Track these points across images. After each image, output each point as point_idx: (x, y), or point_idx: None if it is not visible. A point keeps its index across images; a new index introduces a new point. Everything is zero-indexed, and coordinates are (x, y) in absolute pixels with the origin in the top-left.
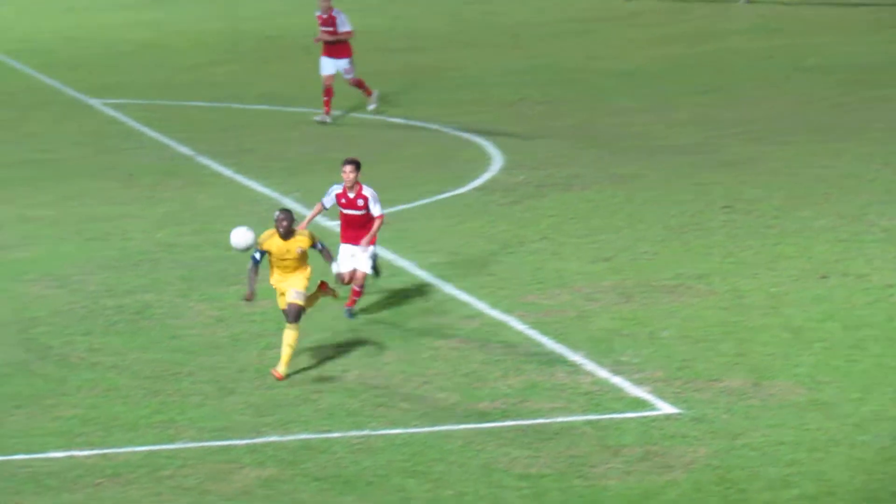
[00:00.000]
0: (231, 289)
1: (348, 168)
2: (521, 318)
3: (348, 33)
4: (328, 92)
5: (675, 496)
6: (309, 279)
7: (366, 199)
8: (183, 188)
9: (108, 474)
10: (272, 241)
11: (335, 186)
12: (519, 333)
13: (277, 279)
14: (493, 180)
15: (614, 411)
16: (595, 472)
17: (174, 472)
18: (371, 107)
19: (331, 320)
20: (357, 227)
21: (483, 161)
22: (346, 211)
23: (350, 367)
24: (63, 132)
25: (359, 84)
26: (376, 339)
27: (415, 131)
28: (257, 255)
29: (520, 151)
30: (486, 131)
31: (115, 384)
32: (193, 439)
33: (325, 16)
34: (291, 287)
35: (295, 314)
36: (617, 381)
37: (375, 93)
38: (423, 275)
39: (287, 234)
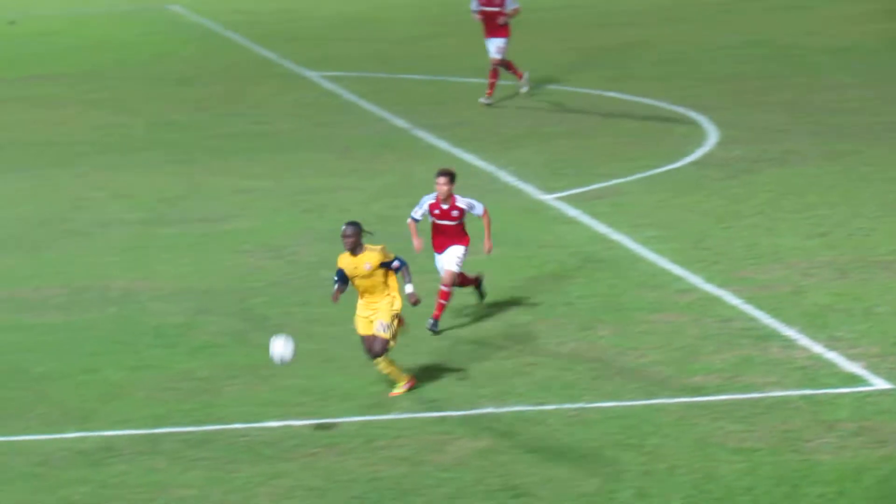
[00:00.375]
0: None
1: (442, 180)
2: (736, 293)
3: (516, 10)
4: (508, 65)
5: (889, 471)
6: (396, 308)
7: (461, 210)
8: (399, 161)
9: (323, 444)
10: (343, 258)
11: (427, 197)
12: (733, 308)
13: (361, 304)
14: (708, 155)
15: (828, 386)
16: (809, 446)
17: (389, 443)
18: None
19: (544, 294)
20: (448, 235)
21: (698, 136)
22: (438, 221)
23: (565, 340)
24: (280, 104)
25: (507, 65)
26: (591, 312)
27: (629, 105)
28: (336, 277)
29: (735, 127)
30: (700, 106)
31: (332, 355)
32: (409, 410)
33: None
34: (377, 318)
35: (380, 348)
36: (831, 356)
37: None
38: (638, 248)
39: (353, 248)
